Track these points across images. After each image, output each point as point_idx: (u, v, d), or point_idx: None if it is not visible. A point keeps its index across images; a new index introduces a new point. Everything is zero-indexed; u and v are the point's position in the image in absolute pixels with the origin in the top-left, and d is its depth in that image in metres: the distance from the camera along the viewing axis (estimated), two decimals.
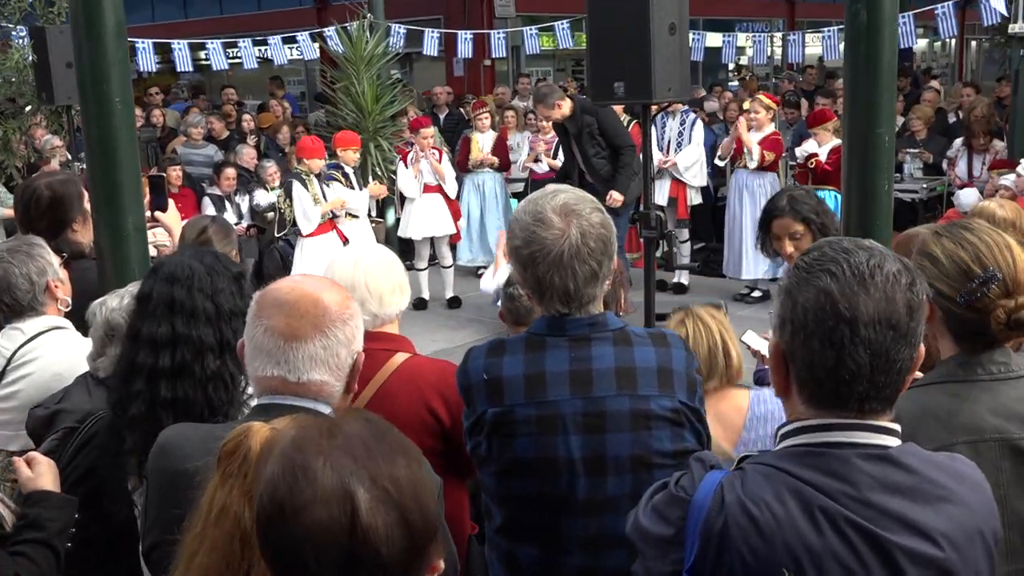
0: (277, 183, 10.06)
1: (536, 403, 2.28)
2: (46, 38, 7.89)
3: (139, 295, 2.64)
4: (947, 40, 22.49)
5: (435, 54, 13.15)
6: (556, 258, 2.23)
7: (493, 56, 14.25)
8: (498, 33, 13.26)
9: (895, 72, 3.46)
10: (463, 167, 10.23)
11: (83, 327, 3.58)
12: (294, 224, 8.41)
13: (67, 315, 3.47)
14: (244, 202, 10.49)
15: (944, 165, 10.54)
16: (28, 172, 9.53)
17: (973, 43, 24.07)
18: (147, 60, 11.92)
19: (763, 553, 1.57)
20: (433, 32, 12.85)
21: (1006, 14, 11.06)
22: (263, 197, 10.30)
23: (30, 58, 8.26)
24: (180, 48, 12.34)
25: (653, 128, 9.44)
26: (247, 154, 10.90)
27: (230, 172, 10.44)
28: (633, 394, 2.28)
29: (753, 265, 9.12)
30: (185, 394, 2.51)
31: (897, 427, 1.65)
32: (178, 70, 13.63)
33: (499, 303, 5.20)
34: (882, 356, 1.57)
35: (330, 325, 1.98)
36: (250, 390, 2.58)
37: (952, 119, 12.19)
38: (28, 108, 9.46)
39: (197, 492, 1.69)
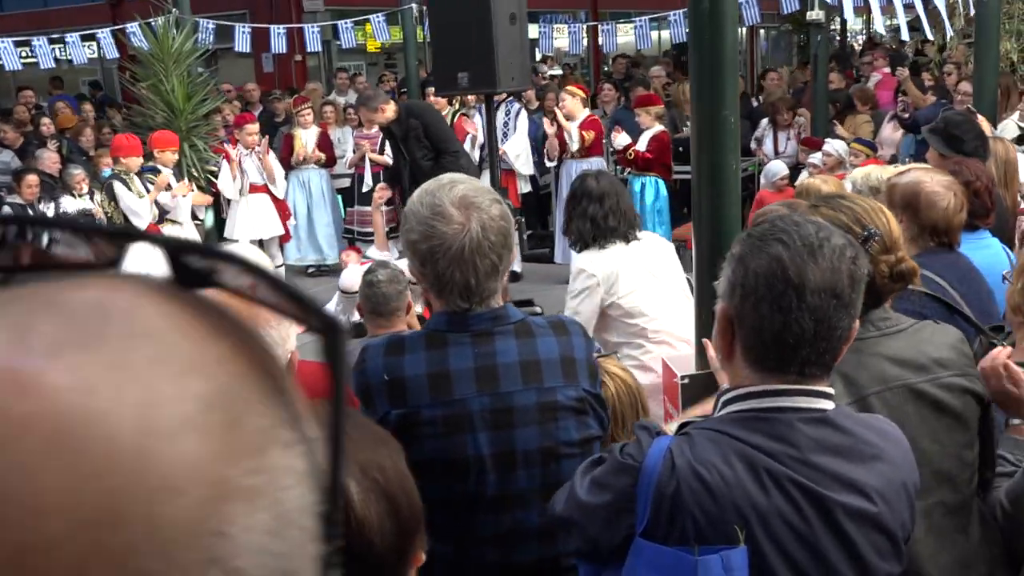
0: (85, 189, 9.49)
1: (442, 403, 2.22)
2: None
3: None
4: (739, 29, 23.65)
5: (246, 50, 12.70)
6: (456, 253, 2.17)
7: (307, 51, 13.92)
8: (312, 27, 12.96)
9: (737, 57, 3.59)
10: (287, 164, 9.96)
11: None
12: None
13: None
14: (50, 210, 9.81)
15: (752, 146, 11.07)
16: None
17: (761, 31, 25.44)
18: None
19: (714, 514, 1.64)
20: (244, 27, 12.43)
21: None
22: (71, 204, 9.67)
23: None
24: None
25: (479, 117, 9.54)
26: (49, 158, 10.21)
27: (32, 179, 9.73)
28: (540, 387, 2.27)
29: None
30: None
31: (832, 391, 1.74)
32: None
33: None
34: (825, 323, 1.65)
35: (264, 327, 1.86)
36: None
37: (755, 103, 12.82)
38: None
39: None
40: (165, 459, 0.35)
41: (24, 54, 12.24)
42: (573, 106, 9.24)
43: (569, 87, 9.81)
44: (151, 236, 0.44)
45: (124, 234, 0.44)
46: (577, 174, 9.36)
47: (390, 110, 8.19)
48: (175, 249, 0.43)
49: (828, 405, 1.73)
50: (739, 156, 3.68)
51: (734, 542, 1.62)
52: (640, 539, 1.68)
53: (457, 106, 10.11)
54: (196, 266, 0.43)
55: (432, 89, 10.14)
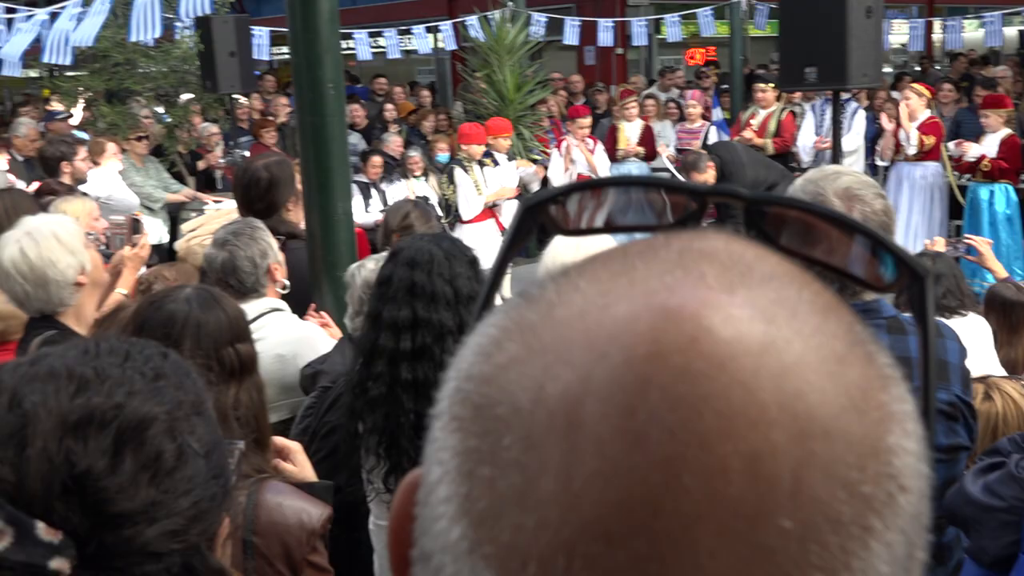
0: (420, 172, 10.17)
1: None
2: (211, 28, 8.11)
3: (379, 279, 2.67)
4: None
5: (574, 42, 13.07)
6: None
7: (633, 44, 14.11)
8: (639, 21, 13.12)
9: None
10: (610, 157, 10.16)
11: (298, 309, 3.67)
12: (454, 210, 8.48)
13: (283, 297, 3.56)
14: (391, 189, 10.62)
15: None
16: (191, 158, 9.88)
17: None
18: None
19: None
20: (573, 20, 12.79)
21: None
22: (407, 185, 10.41)
23: (196, 48, 8.54)
24: None
25: (811, 115, 9.26)
26: (394, 142, 11.02)
27: (376, 160, 10.57)
28: (909, 385, 2.20)
29: None
30: (425, 376, 2.55)
31: None
32: None
33: None
34: None
35: None
36: None
37: None
38: (191, 96, 9.79)
39: None
40: (842, 382, 0.38)
41: (372, 44, 13.28)
42: (916, 106, 8.77)
43: (915, 85, 9.29)
44: (731, 190, 0.48)
45: (711, 191, 0.48)
46: (908, 176, 9.01)
47: (714, 168, 8.16)
48: (749, 201, 0.47)
49: None
50: None
51: None
52: None
53: (784, 103, 9.89)
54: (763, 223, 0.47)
55: (761, 85, 10.02)
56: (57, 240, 2.95)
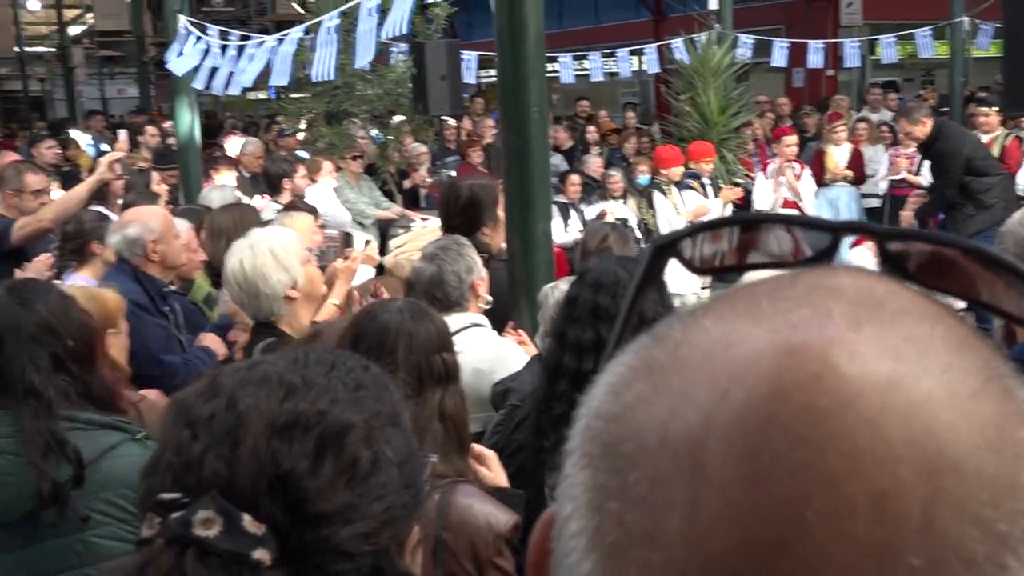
0: (619, 193, 10.18)
1: None
2: (424, 53, 8.42)
3: (566, 299, 2.71)
4: None
5: (782, 65, 12.78)
6: None
7: (844, 66, 13.66)
8: (852, 42, 12.70)
9: None
10: (818, 181, 9.85)
11: (497, 326, 3.76)
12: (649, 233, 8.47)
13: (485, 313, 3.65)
14: (589, 210, 10.69)
15: None
16: (400, 177, 10.31)
17: None
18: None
19: None
20: (782, 42, 12.52)
21: None
22: (590, 211, 10.44)
23: (409, 72, 8.90)
24: None
25: None
26: (594, 163, 11.10)
27: (575, 179, 10.68)
28: None
29: None
30: None
31: None
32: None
33: None
34: None
35: None
36: None
37: None
38: (402, 119, 10.22)
39: None
40: (976, 419, 0.37)
41: (576, 67, 13.42)
42: None
43: None
44: (864, 225, 0.47)
45: (844, 226, 0.47)
46: None
47: (928, 126, 7.77)
48: (883, 236, 0.46)
49: None
50: None
51: None
52: None
53: (1009, 128, 9.30)
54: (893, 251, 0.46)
55: (984, 108, 9.47)
56: (273, 255, 3.14)
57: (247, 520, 0.88)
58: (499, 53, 3.92)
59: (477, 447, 2.64)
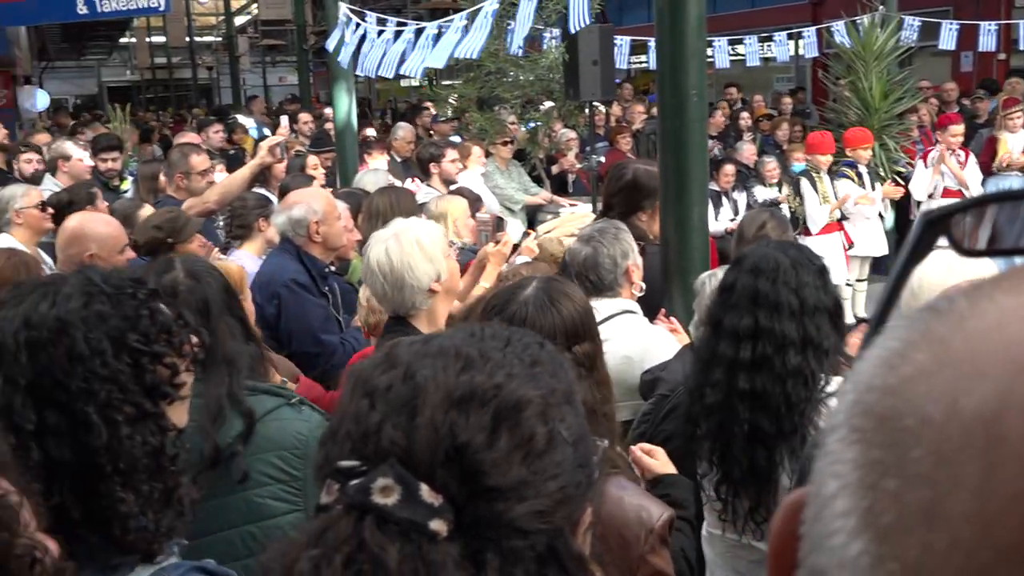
0: (776, 179, 9.93)
1: None
2: (577, 39, 8.39)
3: (722, 285, 2.64)
4: None
5: (950, 47, 12.15)
6: None
7: (1019, 49, 12.90)
8: None
9: None
10: (987, 169, 9.36)
11: (649, 313, 3.71)
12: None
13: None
14: (742, 198, 10.46)
15: None
16: (548, 163, 10.33)
17: None
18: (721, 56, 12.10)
19: None
20: (952, 24, 11.91)
21: None
22: (762, 193, 10.20)
23: (561, 57, 8.89)
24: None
25: None
26: (747, 151, 10.87)
27: (729, 168, 10.45)
28: None
29: None
30: (763, 387, 2.49)
31: None
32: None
33: None
34: None
35: None
36: (829, 388, 2.49)
37: None
38: (552, 104, 10.23)
39: None
40: None
41: (731, 52, 13.12)
42: None
43: None
44: None
45: None
46: None
47: None
48: None
49: None
50: None
51: None
52: None
53: None
54: None
55: None
56: (419, 246, 3.08)
57: (425, 490, 0.88)
58: (658, 35, 3.86)
59: (645, 446, 2.62)
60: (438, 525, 0.88)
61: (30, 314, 1.81)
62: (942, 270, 2.69)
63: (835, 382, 2.49)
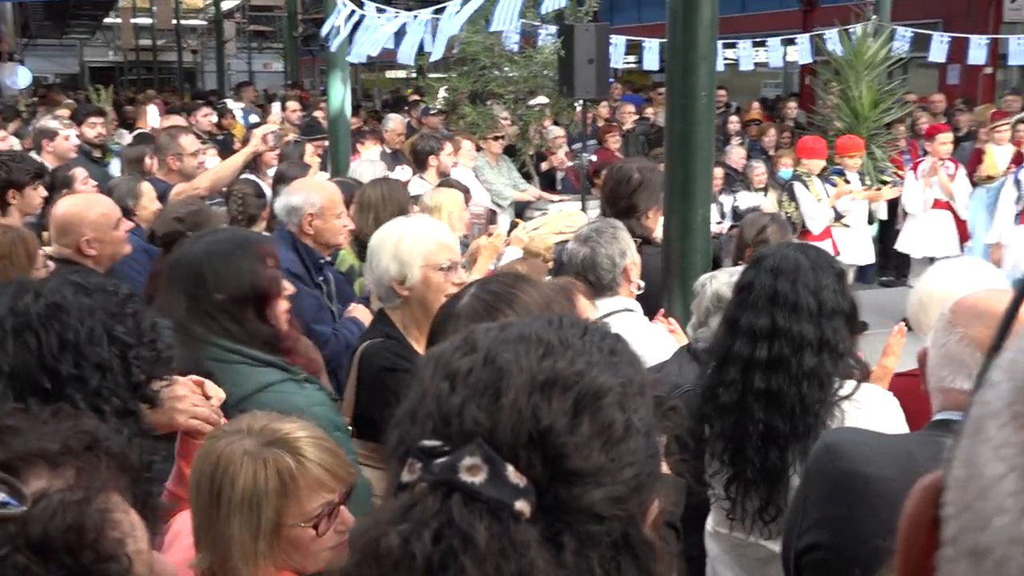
0: (762, 185, 9.97)
1: None
2: (573, 36, 8.39)
3: (740, 284, 2.64)
4: None
5: (941, 60, 12.23)
6: None
7: (1006, 63, 13.00)
8: (1017, 39, 12.07)
9: None
10: (972, 180, 9.45)
11: (648, 313, 3.72)
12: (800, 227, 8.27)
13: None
14: (728, 202, 10.50)
15: None
16: (537, 160, 10.33)
17: None
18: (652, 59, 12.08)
19: None
20: (943, 36, 11.99)
21: None
22: (745, 199, 10.24)
23: (556, 54, 8.89)
24: (650, 47, 12.24)
25: None
26: (736, 154, 10.91)
27: (717, 172, 10.50)
28: None
29: None
30: (779, 387, 2.50)
31: None
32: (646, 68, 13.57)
33: None
34: None
35: None
36: (842, 391, 2.51)
37: None
38: (544, 101, 10.22)
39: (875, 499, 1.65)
40: None
41: (726, 56, 13.11)
42: None
43: None
44: None
45: None
46: None
47: None
48: None
49: None
50: None
51: None
52: None
53: None
54: None
55: None
56: (397, 243, 3.01)
57: (511, 470, 0.89)
58: (670, 36, 3.87)
59: None
60: (523, 505, 0.88)
61: (15, 303, 1.80)
62: (951, 284, 2.72)
63: (848, 386, 2.50)
